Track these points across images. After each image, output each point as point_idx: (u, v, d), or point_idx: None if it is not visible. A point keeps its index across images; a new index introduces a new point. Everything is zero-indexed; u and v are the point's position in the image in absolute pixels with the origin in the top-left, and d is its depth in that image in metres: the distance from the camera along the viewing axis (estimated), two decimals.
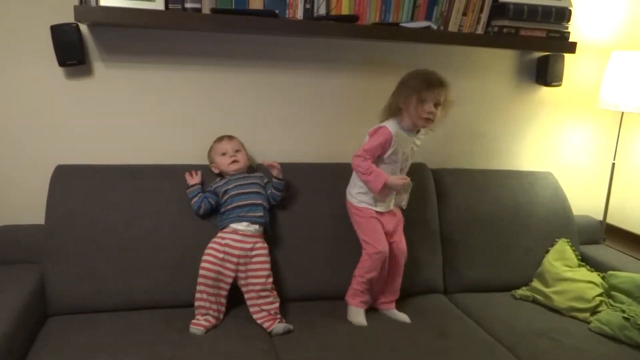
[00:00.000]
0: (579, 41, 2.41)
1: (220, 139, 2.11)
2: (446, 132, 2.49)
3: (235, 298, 1.94)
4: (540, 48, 2.41)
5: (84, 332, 1.73)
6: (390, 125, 1.93)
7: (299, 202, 2.12)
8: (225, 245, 1.91)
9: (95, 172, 2.00)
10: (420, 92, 1.86)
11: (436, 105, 1.88)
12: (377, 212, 2.01)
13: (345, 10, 2.13)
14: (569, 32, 2.34)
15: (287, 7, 2.07)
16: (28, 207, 2.05)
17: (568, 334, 1.91)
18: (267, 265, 1.93)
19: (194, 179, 2.04)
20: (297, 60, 2.25)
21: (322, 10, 2.11)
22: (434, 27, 2.20)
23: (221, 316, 1.88)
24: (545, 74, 2.47)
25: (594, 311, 2.04)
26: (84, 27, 2.00)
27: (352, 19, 2.10)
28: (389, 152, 1.94)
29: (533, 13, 2.23)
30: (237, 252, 1.91)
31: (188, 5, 1.96)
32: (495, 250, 2.29)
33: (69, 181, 1.95)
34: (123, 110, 2.13)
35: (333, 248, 2.10)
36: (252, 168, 2.18)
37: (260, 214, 1.97)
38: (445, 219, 2.29)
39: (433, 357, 1.74)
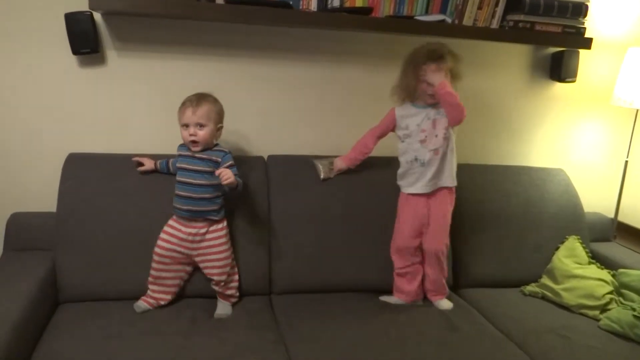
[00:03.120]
0: (595, 37, 2.38)
1: (186, 104, 1.81)
2: (458, 127, 2.48)
3: (241, 291, 1.96)
4: (556, 43, 2.38)
5: (95, 320, 1.74)
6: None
7: (310, 195, 2.11)
8: (174, 228, 1.88)
9: (107, 161, 2.01)
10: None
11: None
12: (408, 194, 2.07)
13: (359, 2, 2.11)
14: (584, 28, 2.31)
15: None
16: (40, 194, 2.06)
17: (577, 332, 1.90)
18: (224, 250, 1.89)
19: (147, 165, 1.97)
20: (311, 52, 2.24)
21: (336, 2, 2.09)
22: (449, 20, 2.19)
23: (169, 297, 1.87)
24: (559, 69, 2.45)
25: (603, 309, 2.03)
26: (97, 16, 2.00)
27: (366, 11, 2.09)
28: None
29: (549, 8, 2.21)
30: (183, 236, 1.87)
31: None
32: (506, 246, 2.28)
33: (80, 169, 1.96)
34: (136, 99, 2.13)
35: (346, 240, 2.10)
36: (217, 145, 1.89)
37: (197, 208, 1.83)
38: (455, 213, 2.27)
39: (442, 352, 1.74)
